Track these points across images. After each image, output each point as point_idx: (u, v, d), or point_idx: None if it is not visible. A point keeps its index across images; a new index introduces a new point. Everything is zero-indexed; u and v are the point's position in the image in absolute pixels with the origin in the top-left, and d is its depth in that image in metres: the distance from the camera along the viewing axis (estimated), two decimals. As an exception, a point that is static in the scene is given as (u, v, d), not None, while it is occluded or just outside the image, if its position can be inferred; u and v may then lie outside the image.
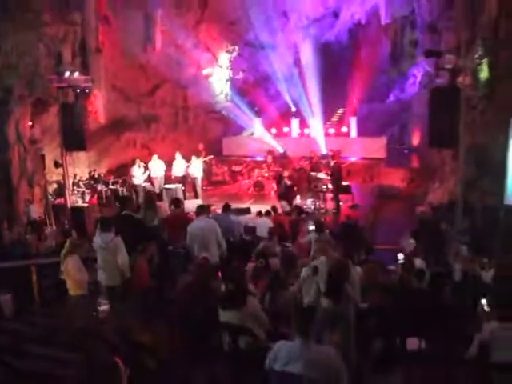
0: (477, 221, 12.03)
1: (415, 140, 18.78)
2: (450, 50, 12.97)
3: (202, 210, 8.51)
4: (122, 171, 17.86)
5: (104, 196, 16.48)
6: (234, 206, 13.35)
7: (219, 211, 10.74)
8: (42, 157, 14.63)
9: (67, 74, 13.16)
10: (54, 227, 13.72)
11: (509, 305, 5.21)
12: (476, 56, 13.08)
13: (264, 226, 10.19)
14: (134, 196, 16.36)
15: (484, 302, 6.10)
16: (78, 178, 16.38)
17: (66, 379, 3.18)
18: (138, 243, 7.07)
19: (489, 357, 5.00)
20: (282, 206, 13.63)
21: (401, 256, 8.94)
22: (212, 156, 18.70)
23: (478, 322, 5.47)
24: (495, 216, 11.65)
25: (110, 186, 16.74)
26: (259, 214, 11.79)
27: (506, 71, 13.03)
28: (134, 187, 16.48)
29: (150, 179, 16.71)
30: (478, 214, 12.27)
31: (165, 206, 15.23)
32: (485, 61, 13.28)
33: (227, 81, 21.25)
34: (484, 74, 13.43)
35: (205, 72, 20.52)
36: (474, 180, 12.70)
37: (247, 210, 12.07)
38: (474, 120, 13.10)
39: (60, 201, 14.63)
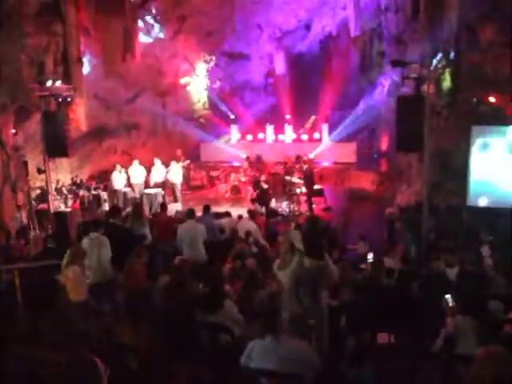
0: (442, 220, 12.19)
1: (383, 145, 18.96)
2: (415, 61, 13.11)
3: (191, 213, 9.10)
4: (103, 177, 17.69)
5: (86, 201, 16.28)
6: (212, 209, 13.34)
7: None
8: (25, 163, 14.41)
9: (49, 83, 12.99)
10: (38, 232, 13.53)
11: (471, 299, 5.28)
12: (439, 66, 13.24)
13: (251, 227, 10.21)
14: (115, 200, 16.28)
15: (448, 297, 6.17)
16: (60, 183, 16.14)
17: (49, 380, 3.12)
18: (125, 249, 7.02)
19: (453, 349, 5.06)
20: (256, 208, 13.66)
21: (371, 255, 9.01)
22: (189, 161, 18.64)
23: (443, 317, 5.52)
24: (458, 216, 11.83)
25: (92, 192, 16.55)
26: (240, 217, 11.81)
27: (466, 81, 13.24)
28: (115, 192, 16.37)
29: (130, 184, 16.59)
30: (443, 214, 12.44)
31: (145, 210, 15.16)
32: (447, 71, 13.47)
33: (205, 89, 21.22)
34: (446, 83, 13.63)
35: (183, 81, 20.46)
36: (439, 182, 12.86)
37: (227, 214, 12.06)
38: (438, 126, 13.28)
39: (43, 206, 14.40)
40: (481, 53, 12.90)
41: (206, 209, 10.43)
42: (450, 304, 5.68)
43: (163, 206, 11.63)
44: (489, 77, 12.73)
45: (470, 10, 12.90)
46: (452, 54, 13.33)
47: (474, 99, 12.94)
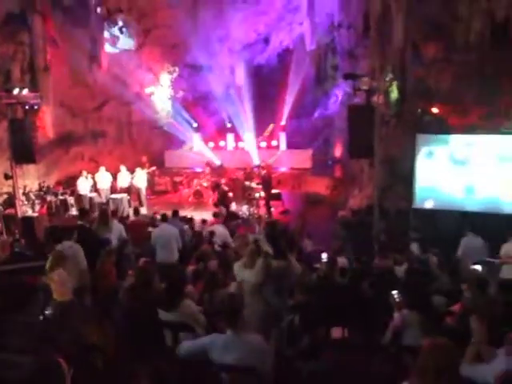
0: (391, 222, 12.43)
1: (337, 152, 19.21)
2: (366, 74, 13.35)
3: (165, 217, 9.54)
4: (70, 182, 17.32)
5: (54, 206, 15.93)
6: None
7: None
8: (-8, 169, 14.02)
9: (16, 91, 12.66)
10: (5, 236, 13.13)
11: (417, 295, 5.40)
12: (387, 79, 13.55)
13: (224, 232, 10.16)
14: (81, 205, 15.96)
15: (394, 293, 6.32)
16: (28, 189, 15.74)
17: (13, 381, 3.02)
18: (91, 250, 7.04)
19: (400, 341, 5.17)
20: (220, 211, 13.61)
21: (324, 255, 9.10)
22: (155, 167, 18.49)
23: (391, 312, 5.64)
24: (406, 218, 12.10)
25: (59, 197, 16.20)
26: (204, 222, 11.77)
27: (412, 93, 13.59)
28: (82, 197, 16.09)
29: (96, 190, 16.33)
30: (392, 216, 12.69)
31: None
32: (394, 83, 13.78)
33: (168, 99, 21.04)
34: (394, 94, 13.94)
35: (148, 91, 20.25)
36: (388, 187, 13.12)
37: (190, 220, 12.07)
38: (387, 134, 13.56)
39: (10, 211, 14.00)
40: (424, 68, 13.28)
41: (175, 213, 10.42)
42: (397, 299, 5.81)
43: (136, 210, 11.84)
44: (432, 89, 13.12)
45: (414, 29, 13.26)
46: (399, 68, 13.65)
47: (419, 110, 13.29)
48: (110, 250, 7.08)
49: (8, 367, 4.07)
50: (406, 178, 12.69)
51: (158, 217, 11.21)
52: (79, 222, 8.33)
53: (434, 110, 13.07)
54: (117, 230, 9.29)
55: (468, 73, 12.78)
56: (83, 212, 9.18)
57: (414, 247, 10.38)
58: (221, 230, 10.13)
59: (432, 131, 12.51)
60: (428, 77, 13.22)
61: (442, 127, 12.72)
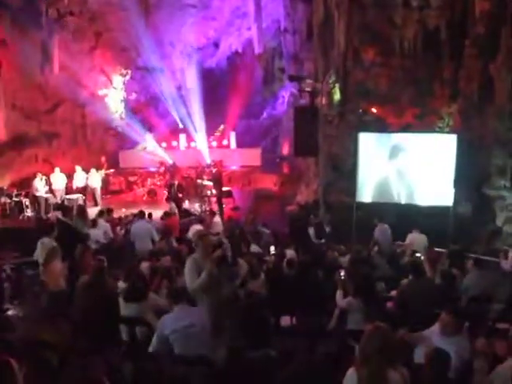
0: (335, 215, 12.65)
1: (285, 150, 19.40)
2: (310, 76, 13.54)
3: (143, 214, 10.16)
4: (25, 184, 16.65)
5: (8, 207, 15.30)
6: (130, 211, 13.02)
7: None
8: None
9: (-34, 93, 12.09)
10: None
11: (361, 282, 5.52)
12: (330, 81, 13.77)
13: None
14: (36, 206, 15.43)
15: (341, 272, 6.48)
16: (-19, 191, 15.05)
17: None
18: (71, 243, 7.21)
19: (345, 326, 5.29)
20: (170, 208, 13.47)
21: (273, 248, 9.17)
22: (113, 170, 18.17)
23: (336, 300, 5.75)
24: (349, 211, 12.34)
25: (14, 198, 15.56)
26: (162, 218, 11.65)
27: (353, 94, 13.86)
28: (36, 198, 15.52)
29: (51, 190, 15.81)
30: (336, 209, 12.92)
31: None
32: (337, 85, 14.02)
33: (121, 101, 20.61)
34: (337, 96, 14.19)
35: (101, 93, 19.76)
36: (332, 182, 13.35)
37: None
38: (331, 133, 13.78)
39: (-37, 213, 13.37)
40: (364, 71, 13.57)
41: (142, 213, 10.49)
42: (342, 277, 5.96)
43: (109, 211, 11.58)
44: (371, 91, 13.42)
45: (354, 36, 13.53)
46: (340, 72, 13.88)
47: (360, 110, 13.57)
48: (87, 245, 7.21)
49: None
50: (348, 174, 12.94)
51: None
52: (62, 218, 8.93)
53: (374, 111, 13.40)
54: (103, 229, 9.52)
55: (403, 76, 13.17)
56: (65, 209, 9.29)
57: (311, 230, 11.02)
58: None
59: (372, 130, 12.80)
60: (367, 79, 13.52)
61: (380, 126, 13.06)
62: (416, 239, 9.61)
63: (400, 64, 13.17)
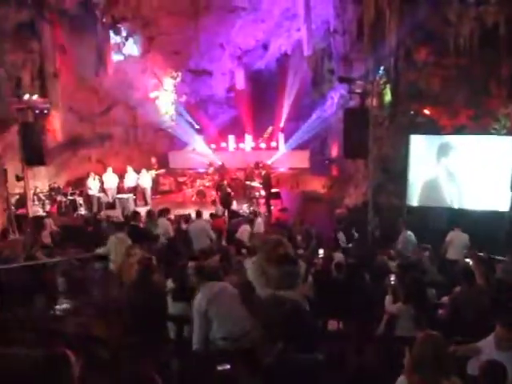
0: (385, 218, 12.42)
1: (334, 152, 19.20)
2: (360, 77, 13.36)
3: (200, 214, 10.51)
4: (79, 183, 17.33)
5: (63, 206, 15.95)
6: (180, 212, 13.24)
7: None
8: (5, 171, 14.00)
9: (26, 96, 12.71)
10: (17, 235, 13.13)
11: (411, 288, 5.38)
12: (380, 82, 13.53)
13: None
14: (89, 205, 16.00)
15: (392, 277, 6.33)
16: (38, 190, 15.75)
17: (24, 374, 3.02)
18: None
19: (394, 332, 5.17)
20: (217, 210, 13.64)
21: (321, 251, 9.10)
22: (164, 170, 18.59)
23: (385, 305, 5.64)
24: (399, 214, 12.08)
25: (69, 197, 16.22)
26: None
27: (404, 95, 13.57)
28: (90, 197, 16.10)
29: (104, 190, 16.34)
30: (386, 212, 12.67)
31: (118, 212, 14.95)
32: (388, 86, 13.77)
33: (172, 103, 21.02)
34: (387, 97, 13.93)
35: (152, 95, 20.24)
36: (381, 185, 13.10)
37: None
38: (381, 135, 13.53)
39: (22, 211, 14.01)
40: (416, 71, 13.25)
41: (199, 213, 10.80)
42: (392, 282, 5.82)
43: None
44: (423, 92, 13.09)
45: (406, 35, 13.24)
46: (392, 72, 13.62)
47: (411, 111, 13.27)
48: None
49: (18, 360, 4.08)
50: (398, 177, 12.68)
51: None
52: (132, 223, 9.34)
53: (426, 112, 13.06)
54: (163, 228, 9.87)
55: (457, 75, 12.77)
56: (135, 214, 10.13)
57: (341, 236, 10.94)
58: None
59: (424, 132, 12.49)
60: (419, 80, 13.19)
61: (432, 128, 12.71)
62: (456, 238, 9.32)
63: (454, 63, 12.78)
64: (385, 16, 13.81)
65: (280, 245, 4.78)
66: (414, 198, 12.21)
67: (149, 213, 10.60)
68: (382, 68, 13.76)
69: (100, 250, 8.24)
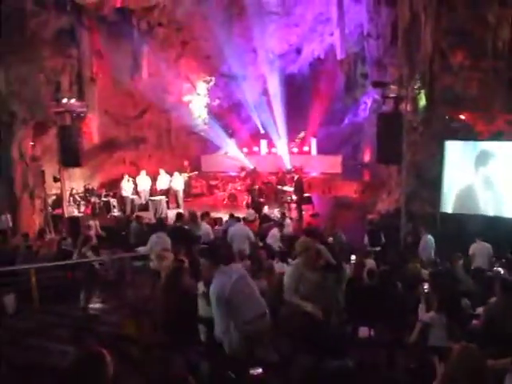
0: (418, 226, 12.21)
1: (366, 157, 19.01)
2: (394, 82, 13.19)
3: (239, 218, 10.76)
4: (113, 185, 17.68)
5: (97, 207, 16.29)
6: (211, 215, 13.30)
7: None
8: (42, 172, 14.44)
9: (65, 100, 13.04)
10: (53, 235, 13.50)
11: (445, 298, 5.29)
12: (415, 87, 13.33)
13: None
14: (122, 206, 16.28)
15: (426, 285, 6.22)
16: (74, 191, 16.14)
17: (60, 369, 3.11)
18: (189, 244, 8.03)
19: (427, 341, 5.08)
20: (249, 214, 13.63)
21: (353, 256, 9.01)
22: (197, 172, 18.78)
23: (418, 313, 5.55)
24: (433, 221, 11.87)
25: (103, 198, 16.56)
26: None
27: (439, 100, 13.32)
28: (123, 199, 16.38)
29: (137, 192, 16.61)
30: (419, 219, 12.45)
31: (150, 214, 15.17)
32: (422, 91, 13.55)
33: (205, 107, 21.25)
34: (422, 101, 13.71)
35: (185, 99, 20.49)
36: (415, 192, 12.89)
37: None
38: (415, 141, 13.33)
39: (58, 211, 14.39)
40: (452, 75, 13.00)
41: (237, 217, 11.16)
42: (426, 291, 5.73)
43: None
44: (459, 96, 12.83)
45: (442, 38, 13.01)
46: (427, 76, 13.41)
47: (447, 116, 13.02)
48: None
49: (53, 355, 4.20)
50: (432, 184, 12.46)
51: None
52: (178, 224, 9.80)
53: (462, 117, 12.79)
54: (204, 230, 10.19)
55: (495, 79, 12.48)
56: (179, 216, 10.62)
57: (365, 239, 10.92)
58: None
59: (459, 138, 12.24)
60: (455, 84, 12.94)
61: (468, 134, 12.44)
62: (480, 249, 9.19)
63: (492, 66, 12.48)
64: (420, 19, 13.62)
65: (320, 253, 4.78)
66: (449, 206, 11.97)
67: (192, 215, 10.79)
68: (416, 72, 13.54)
69: (141, 249, 8.43)
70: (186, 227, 10.04)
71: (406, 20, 14.18)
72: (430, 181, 12.64)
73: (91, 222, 12.33)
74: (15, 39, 13.59)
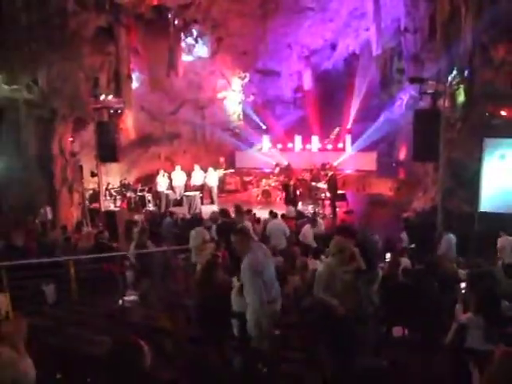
0: (454, 225, 11.93)
1: (402, 154, 18.71)
2: (432, 77, 12.90)
3: (276, 215, 10.83)
4: (148, 180, 17.96)
5: (133, 201, 16.58)
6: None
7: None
8: (81, 167, 14.76)
9: (102, 96, 13.29)
10: (90, 228, 13.80)
11: (483, 299, 5.15)
12: (454, 82, 13.00)
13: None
14: (157, 201, 16.50)
15: (463, 285, 6.08)
16: (110, 185, 16.47)
17: (97, 357, 3.18)
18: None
19: (463, 343, 4.96)
20: (288, 211, 13.59)
21: (388, 255, 8.88)
22: (233, 170, 18.88)
23: (455, 313, 5.42)
24: (470, 221, 11.57)
25: (138, 193, 16.84)
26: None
27: (479, 96, 12.95)
28: (158, 194, 16.61)
29: (172, 187, 16.81)
30: (456, 218, 12.16)
31: (185, 209, 15.34)
32: (461, 86, 13.20)
33: (239, 103, 21.33)
34: (461, 97, 13.36)
35: (220, 95, 20.61)
36: (452, 190, 12.59)
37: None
38: (452, 138, 13.00)
39: (95, 205, 14.71)
40: (493, 70, 12.61)
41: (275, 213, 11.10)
42: (463, 291, 5.59)
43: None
44: (500, 92, 12.43)
45: (483, 31, 12.64)
46: (466, 71, 13.05)
47: (486, 113, 12.64)
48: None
49: (90, 344, 4.30)
50: (470, 182, 12.13)
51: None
52: (222, 219, 9.82)
53: (502, 113, 12.39)
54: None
55: (539, 75, 12.05)
56: (224, 211, 10.56)
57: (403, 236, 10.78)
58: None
59: (500, 135, 11.87)
60: (496, 79, 12.53)
61: (510, 131, 12.05)
62: (508, 242, 9.09)
63: (535, 61, 12.05)
64: (460, 12, 13.25)
65: (354, 256, 4.77)
66: (487, 204, 11.63)
67: (238, 210, 10.90)
68: (455, 67, 13.20)
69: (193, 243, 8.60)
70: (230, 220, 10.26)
71: (445, 13, 13.85)
72: (468, 179, 12.32)
73: (137, 217, 12.60)
74: (56, 38, 13.94)
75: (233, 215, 10.46)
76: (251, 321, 4.26)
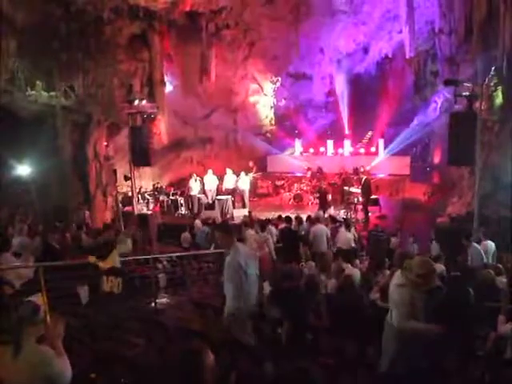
0: (492, 231, 11.60)
1: (436, 158, 18.35)
2: (467, 79, 12.62)
3: (318, 219, 11.26)
4: (180, 184, 18.14)
5: (165, 205, 16.77)
6: (276, 215, 13.33)
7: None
8: (114, 171, 15.04)
9: (136, 102, 13.49)
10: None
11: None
12: (491, 84, 12.69)
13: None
14: (190, 205, 16.64)
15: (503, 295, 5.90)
16: (143, 189, 16.71)
17: (130, 359, 3.21)
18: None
19: (503, 354, 4.81)
20: (318, 216, 13.48)
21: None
22: (261, 173, 18.88)
23: (488, 322, 5.27)
24: (509, 227, 11.23)
25: (171, 197, 17.03)
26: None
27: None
28: (191, 197, 16.75)
29: (204, 191, 16.93)
30: (493, 224, 11.83)
31: (217, 213, 15.41)
32: (499, 88, 12.88)
33: (271, 107, 21.35)
34: (498, 99, 13.03)
35: (252, 99, 20.68)
36: (489, 194, 12.27)
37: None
38: (490, 141, 12.68)
39: (128, 208, 14.93)
40: (533, 71, 12.27)
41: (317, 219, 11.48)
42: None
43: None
44: (540, 94, 12.08)
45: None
46: (504, 73, 12.72)
47: (526, 116, 12.30)
48: None
49: (127, 347, 4.36)
50: (508, 186, 11.79)
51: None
52: (286, 226, 10.77)
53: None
54: None
55: None
56: (288, 218, 11.32)
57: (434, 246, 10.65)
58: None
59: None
60: (536, 81, 12.19)
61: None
62: None
63: None
64: (498, 12, 12.93)
65: (433, 274, 4.34)
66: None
67: (299, 219, 11.51)
68: (493, 69, 12.88)
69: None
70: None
71: (482, 14, 13.55)
72: (506, 183, 11.98)
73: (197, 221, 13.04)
74: (92, 46, 14.29)
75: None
76: (228, 313, 4.38)
